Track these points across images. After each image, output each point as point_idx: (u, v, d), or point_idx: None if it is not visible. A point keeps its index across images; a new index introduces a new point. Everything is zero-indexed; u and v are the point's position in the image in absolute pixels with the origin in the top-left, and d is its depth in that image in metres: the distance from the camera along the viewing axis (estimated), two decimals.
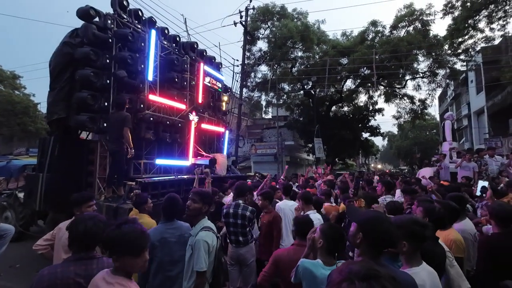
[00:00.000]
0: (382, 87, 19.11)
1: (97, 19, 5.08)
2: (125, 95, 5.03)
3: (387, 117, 47.14)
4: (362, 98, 20.98)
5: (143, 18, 5.92)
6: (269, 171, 17.99)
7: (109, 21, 5.13)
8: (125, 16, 5.45)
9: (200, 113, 6.82)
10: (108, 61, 5.01)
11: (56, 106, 4.86)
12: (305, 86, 20.30)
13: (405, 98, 19.10)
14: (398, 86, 18.83)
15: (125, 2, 5.43)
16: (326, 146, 19.41)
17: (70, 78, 4.88)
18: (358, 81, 19.15)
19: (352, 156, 22.38)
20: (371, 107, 20.65)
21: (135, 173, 5.48)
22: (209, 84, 7.18)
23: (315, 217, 3.21)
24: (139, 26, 5.71)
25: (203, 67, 6.87)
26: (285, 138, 21.73)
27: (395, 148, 41.55)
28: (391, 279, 0.71)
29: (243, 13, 15.19)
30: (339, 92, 20.10)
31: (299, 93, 21.01)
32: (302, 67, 19.20)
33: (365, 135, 21.93)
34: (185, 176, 5.77)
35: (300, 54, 19.28)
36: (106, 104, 4.97)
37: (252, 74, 19.93)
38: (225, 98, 7.75)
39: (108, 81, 5.01)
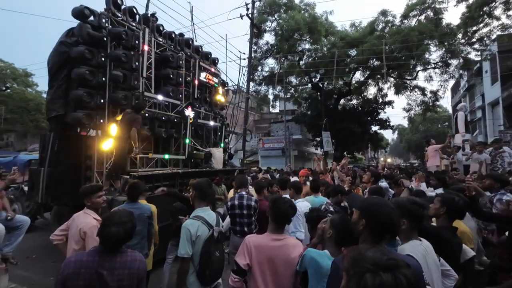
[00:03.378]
0: (392, 79, 18.56)
1: (92, 18, 5.23)
2: (123, 94, 5.21)
3: (397, 110, 45.83)
4: (371, 91, 20.50)
5: (138, 16, 6.03)
6: (277, 165, 18.05)
7: (103, 20, 5.28)
8: (119, 15, 5.58)
9: (196, 108, 6.93)
10: (103, 59, 5.17)
11: (54, 103, 5.10)
12: (313, 79, 20.01)
13: (416, 89, 18.50)
14: (408, 78, 18.24)
15: (119, 1, 5.55)
16: (335, 139, 19.19)
17: (67, 76, 5.09)
18: (367, 73, 18.68)
19: (361, 150, 22.01)
20: (380, 100, 20.15)
21: (132, 167, 5.69)
22: (205, 80, 7.26)
23: (304, 205, 3.29)
24: (133, 24, 5.83)
25: (198, 63, 6.95)
26: (292, 132, 21.64)
27: (405, 141, 40.44)
28: (407, 266, 0.73)
29: (250, 6, 15.09)
30: (347, 84, 19.70)
31: (306, 86, 20.74)
32: (310, 59, 18.90)
33: (374, 128, 21.47)
34: (180, 170, 5.95)
35: (307, 46, 18.96)
36: (102, 101, 5.15)
37: (259, 68, 19.83)
38: (221, 92, 7.79)
39: (103, 79, 5.19)
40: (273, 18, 18.75)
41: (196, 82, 6.99)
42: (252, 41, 16.22)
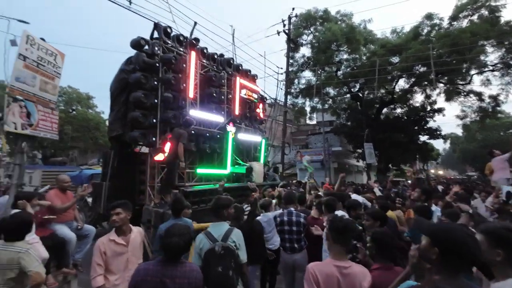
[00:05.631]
0: (442, 85, 17.15)
1: (146, 47, 5.86)
2: (173, 114, 5.67)
3: (449, 117, 41.52)
4: (418, 98, 19.10)
5: (185, 41, 6.58)
6: (316, 178, 17.60)
7: (156, 48, 5.86)
8: (169, 42, 6.15)
9: (237, 124, 7.19)
10: (155, 83, 5.71)
11: (114, 124, 5.73)
12: (352, 89, 19.42)
13: (471, 95, 16.79)
14: (461, 83, 16.69)
15: (168, 30, 6.14)
16: (378, 151, 18.16)
17: (125, 100, 5.71)
18: (413, 80, 17.56)
19: (408, 162, 20.40)
20: (428, 107, 18.66)
21: (179, 181, 6.05)
22: (245, 96, 7.54)
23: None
24: (181, 49, 6.37)
25: (239, 81, 7.26)
26: (331, 143, 21.01)
27: (459, 151, 36.44)
28: None
29: (286, 22, 15.46)
30: (390, 93, 18.70)
31: (345, 96, 20.19)
32: (348, 69, 18.47)
33: (423, 138, 19.81)
34: (225, 185, 6.15)
35: (345, 56, 18.61)
36: (154, 121, 5.66)
37: (296, 81, 19.91)
38: (260, 107, 8.01)
39: (156, 101, 5.71)
40: (309, 31, 18.87)
41: (237, 99, 7.28)
42: (289, 55, 16.48)
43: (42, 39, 5.40)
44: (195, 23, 6.72)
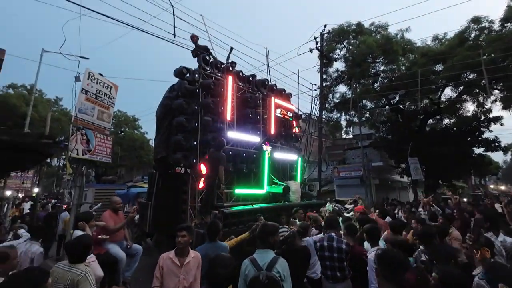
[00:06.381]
0: (497, 92, 15.49)
1: (188, 74, 6.31)
2: (212, 136, 5.95)
3: (509, 126, 36.57)
4: (469, 107, 17.42)
5: (222, 66, 6.95)
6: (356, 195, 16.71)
7: (196, 75, 6.29)
8: (207, 68, 6.55)
9: (272, 143, 7.24)
10: (196, 107, 6.07)
11: (159, 147, 6.15)
12: (392, 101, 18.45)
13: None
14: None
15: (207, 57, 6.56)
16: (424, 166, 16.73)
17: (169, 124, 6.14)
18: (461, 88, 16.16)
19: (461, 177, 18.42)
20: (482, 117, 16.87)
21: (218, 201, 6.20)
22: (280, 115, 7.60)
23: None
24: (219, 74, 6.73)
25: (273, 101, 7.38)
26: (371, 158, 19.93)
27: None
28: None
29: (318, 39, 15.52)
30: (435, 103, 17.37)
31: (384, 108, 19.21)
32: (386, 80, 17.68)
33: (478, 150, 17.83)
34: (261, 206, 6.15)
35: (382, 68, 17.90)
36: (195, 143, 5.97)
37: (330, 95, 19.57)
38: (295, 124, 8.00)
39: (196, 124, 6.04)
40: (342, 46, 18.63)
41: (272, 118, 7.37)
42: (322, 71, 16.39)
43: (100, 74, 6.12)
44: (231, 48, 7.11)
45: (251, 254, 3.60)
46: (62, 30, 6.20)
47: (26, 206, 11.04)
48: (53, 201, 16.65)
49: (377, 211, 5.79)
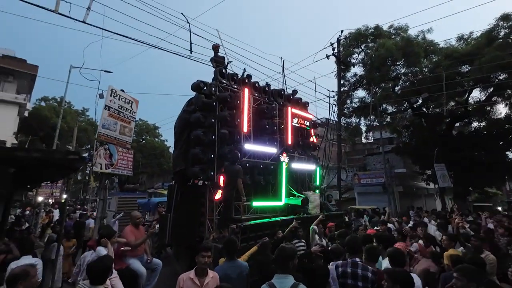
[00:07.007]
0: None
1: (204, 88, 6.40)
2: (229, 149, 5.98)
3: None
4: (502, 110, 16.35)
5: (238, 78, 7.00)
6: (377, 203, 16.08)
7: (213, 88, 6.36)
8: (224, 81, 6.62)
9: (290, 153, 7.14)
10: (213, 120, 6.13)
11: (178, 160, 6.26)
12: (414, 105, 17.71)
13: None
14: None
15: (223, 70, 6.64)
16: (452, 172, 15.84)
17: (187, 137, 6.24)
18: (491, 89, 15.24)
19: (494, 184, 17.22)
20: None
21: (235, 214, 6.18)
22: (297, 125, 7.51)
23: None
24: (235, 86, 6.78)
25: (290, 110, 7.31)
26: (393, 164, 19.14)
27: None
28: None
29: (335, 45, 15.30)
30: (463, 106, 16.46)
31: (406, 112, 18.48)
32: (407, 83, 17.02)
33: None
34: (279, 218, 6.06)
35: (403, 70, 17.27)
36: (212, 156, 6.01)
37: (348, 101, 19.14)
38: (312, 133, 7.88)
39: (213, 137, 6.10)
40: (360, 50, 18.22)
41: (289, 128, 7.30)
42: (339, 77, 16.10)
43: (122, 90, 6.37)
44: (244, 69, 7.24)
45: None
46: (83, 52, 6.54)
47: (56, 213, 11.63)
48: (78, 207, 17.47)
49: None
